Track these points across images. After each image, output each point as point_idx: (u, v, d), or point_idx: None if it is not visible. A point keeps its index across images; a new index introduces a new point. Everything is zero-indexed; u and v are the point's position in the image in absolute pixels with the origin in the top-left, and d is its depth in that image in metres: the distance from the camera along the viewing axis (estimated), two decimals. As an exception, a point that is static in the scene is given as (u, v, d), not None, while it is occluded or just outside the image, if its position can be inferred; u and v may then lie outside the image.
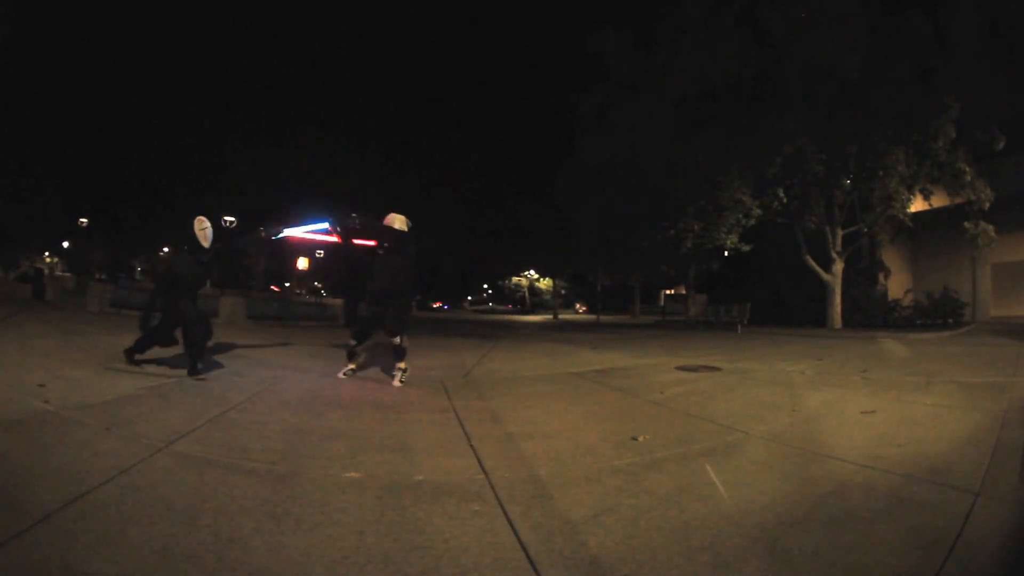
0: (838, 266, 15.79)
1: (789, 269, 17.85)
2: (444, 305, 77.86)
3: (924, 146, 13.39)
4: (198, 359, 4.62)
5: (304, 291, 55.54)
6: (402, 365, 4.93)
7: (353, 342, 5.12)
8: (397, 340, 4.92)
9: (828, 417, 3.41)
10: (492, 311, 63.71)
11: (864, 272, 17.72)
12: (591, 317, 37.22)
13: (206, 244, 4.86)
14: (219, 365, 5.20)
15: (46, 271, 33.17)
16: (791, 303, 18.70)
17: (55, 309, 12.36)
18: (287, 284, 58.40)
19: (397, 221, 5.07)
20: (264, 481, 2.13)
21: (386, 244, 4.98)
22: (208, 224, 4.90)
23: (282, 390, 4.18)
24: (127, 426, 2.77)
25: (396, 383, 4.75)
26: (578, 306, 60.01)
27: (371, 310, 5.02)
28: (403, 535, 1.71)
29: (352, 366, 5.17)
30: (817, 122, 14.05)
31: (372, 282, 4.95)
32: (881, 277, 18.10)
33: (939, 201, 15.13)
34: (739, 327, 15.03)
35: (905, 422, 3.18)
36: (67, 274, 41.86)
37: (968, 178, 13.59)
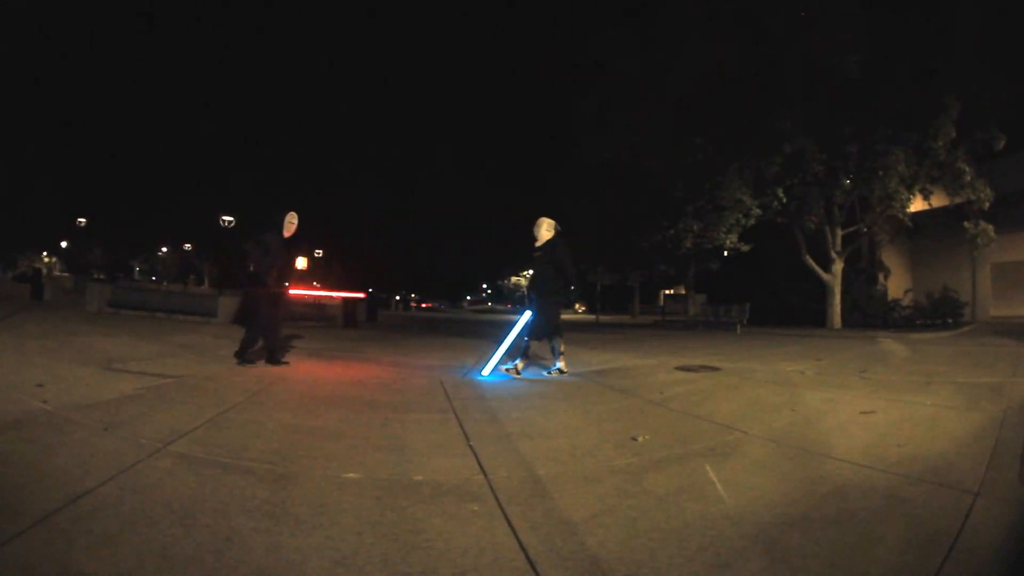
0: (838, 266, 15.80)
1: (789, 269, 17.87)
2: (441, 305, 77.95)
3: (924, 146, 13.40)
4: (247, 350, 5.38)
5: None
6: (561, 364, 5.29)
7: (524, 339, 5.46)
8: (546, 343, 5.27)
9: (828, 417, 3.41)
10: (491, 311, 63.70)
11: (864, 272, 17.72)
12: (590, 317, 37.22)
13: (287, 235, 5.60)
14: (218, 364, 5.20)
15: (44, 271, 33.14)
16: (791, 303, 18.72)
17: (53, 309, 12.35)
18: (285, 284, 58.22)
19: (544, 225, 5.35)
20: (263, 481, 2.13)
21: (536, 248, 5.35)
22: (296, 222, 5.64)
23: (280, 390, 4.18)
24: (126, 426, 2.77)
25: (545, 374, 5.20)
26: (577, 306, 59.99)
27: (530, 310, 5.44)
28: (402, 535, 1.71)
29: (520, 363, 5.35)
30: (817, 122, 14.05)
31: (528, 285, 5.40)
32: (881, 277, 18.10)
33: (939, 201, 15.12)
34: (739, 327, 15.03)
35: (905, 422, 3.18)
36: (65, 274, 41.85)
37: (968, 178, 13.59)
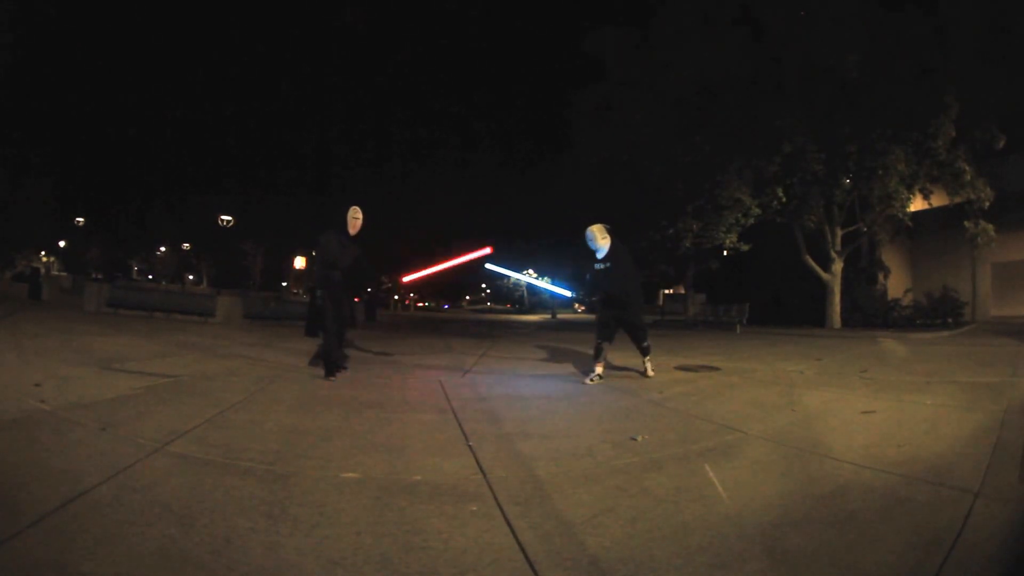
0: (837, 266, 15.79)
1: (788, 269, 17.84)
2: (445, 305, 78.07)
3: (924, 145, 13.36)
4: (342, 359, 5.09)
5: (301, 291, 55.54)
6: (648, 363, 5.35)
7: (598, 341, 5.33)
8: (645, 345, 5.30)
9: (827, 417, 3.41)
10: (490, 311, 63.76)
11: (863, 272, 17.70)
12: (589, 316, 37.21)
13: (352, 232, 5.05)
14: (217, 364, 5.19)
15: (42, 270, 33.06)
16: (790, 303, 18.69)
17: (51, 308, 12.34)
18: (284, 284, 58.31)
19: (600, 233, 5.21)
20: (261, 481, 2.12)
21: (603, 259, 5.21)
22: (360, 216, 5.09)
23: (278, 389, 4.17)
24: (123, 426, 2.76)
25: (649, 373, 5.26)
26: (576, 306, 59.96)
27: (605, 314, 5.33)
28: (400, 535, 1.70)
29: (599, 366, 5.23)
30: (816, 121, 14.03)
31: (600, 291, 5.27)
32: (880, 277, 18.07)
33: (939, 200, 15.10)
34: (738, 327, 15.02)
35: (905, 422, 3.17)
36: (63, 274, 41.76)
37: (968, 177, 13.57)
